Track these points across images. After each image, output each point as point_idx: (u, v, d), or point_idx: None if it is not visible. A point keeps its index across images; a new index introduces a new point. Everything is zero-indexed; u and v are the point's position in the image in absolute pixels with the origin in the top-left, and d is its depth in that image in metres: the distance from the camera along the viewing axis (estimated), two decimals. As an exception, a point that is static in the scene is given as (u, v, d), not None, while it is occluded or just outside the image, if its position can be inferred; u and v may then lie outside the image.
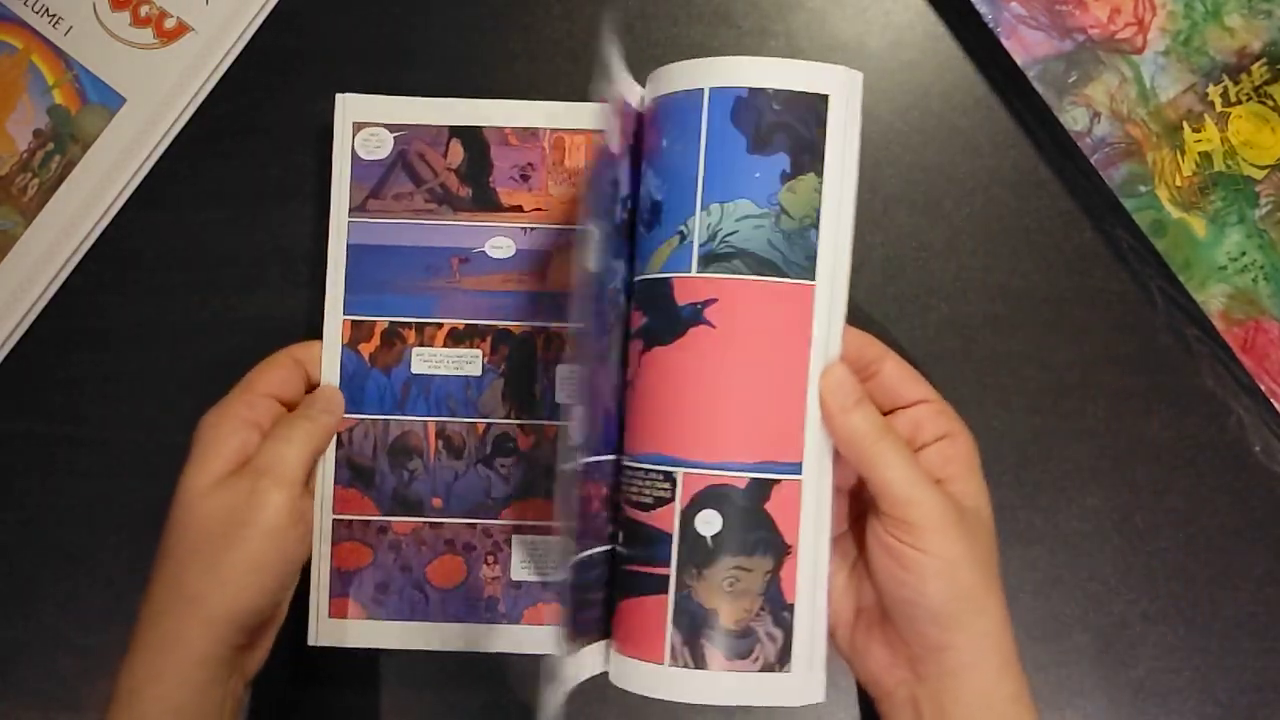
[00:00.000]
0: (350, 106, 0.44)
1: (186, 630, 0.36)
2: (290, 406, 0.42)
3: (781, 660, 0.36)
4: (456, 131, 0.44)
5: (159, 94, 0.47)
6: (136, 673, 0.36)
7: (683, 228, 0.36)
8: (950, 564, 0.35)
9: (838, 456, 0.37)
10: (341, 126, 0.44)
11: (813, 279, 0.36)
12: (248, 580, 0.37)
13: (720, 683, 0.36)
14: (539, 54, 0.48)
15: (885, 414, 0.39)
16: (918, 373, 0.40)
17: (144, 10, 0.47)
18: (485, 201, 0.44)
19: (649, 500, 0.36)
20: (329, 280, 0.44)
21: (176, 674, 0.36)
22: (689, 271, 0.36)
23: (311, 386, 0.43)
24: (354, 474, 0.43)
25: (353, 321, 0.43)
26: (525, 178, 0.44)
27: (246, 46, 0.48)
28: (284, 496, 0.38)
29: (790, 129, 0.36)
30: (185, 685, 0.36)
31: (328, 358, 0.43)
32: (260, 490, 0.37)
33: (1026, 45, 0.46)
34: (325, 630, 0.42)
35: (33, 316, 0.46)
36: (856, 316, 0.46)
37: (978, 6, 0.46)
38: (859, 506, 0.40)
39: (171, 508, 0.38)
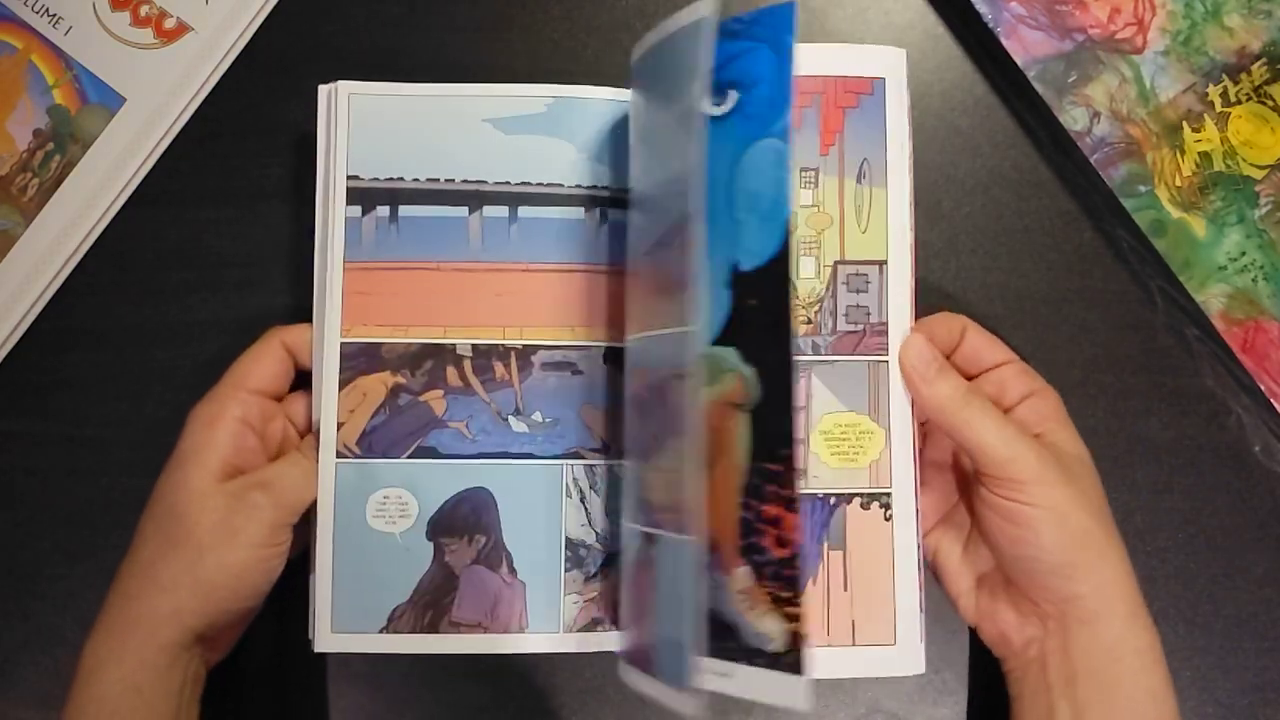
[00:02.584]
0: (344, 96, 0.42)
1: (153, 616, 0.37)
2: (279, 398, 0.42)
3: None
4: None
5: (159, 94, 0.47)
6: (99, 651, 0.37)
7: None
8: (1059, 512, 0.36)
9: (931, 431, 0.41)
10: (333, 114, 0.42)
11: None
12: (224, 583, 0.37)
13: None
14: (539, 54, 0.48)
15: (971, 378, 0.40)
16: (995, 338, 0.41)
17: (144, 10, 0.47)
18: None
19: None
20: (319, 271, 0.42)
21: (138, 655, 0.36)
22: None
23: (301, 371, 0.42)
24: None
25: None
26: None
27: (246, 46, 0.48)
28: (278, 515, 0.38)
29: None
30: (146, 667, 0.36)
31: (320, 349, 0.42)
32: (259, 505, 0.38)
33: (1026, 45, 0.46)
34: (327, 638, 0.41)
35: (33, 316, 0.46)
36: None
37: (978, 6, 0.46)
38: (963, 477, 0.42)
39: (159, 497, 0.39)
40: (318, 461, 0.40)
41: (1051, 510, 0.36)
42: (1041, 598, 0.38)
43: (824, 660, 0.38)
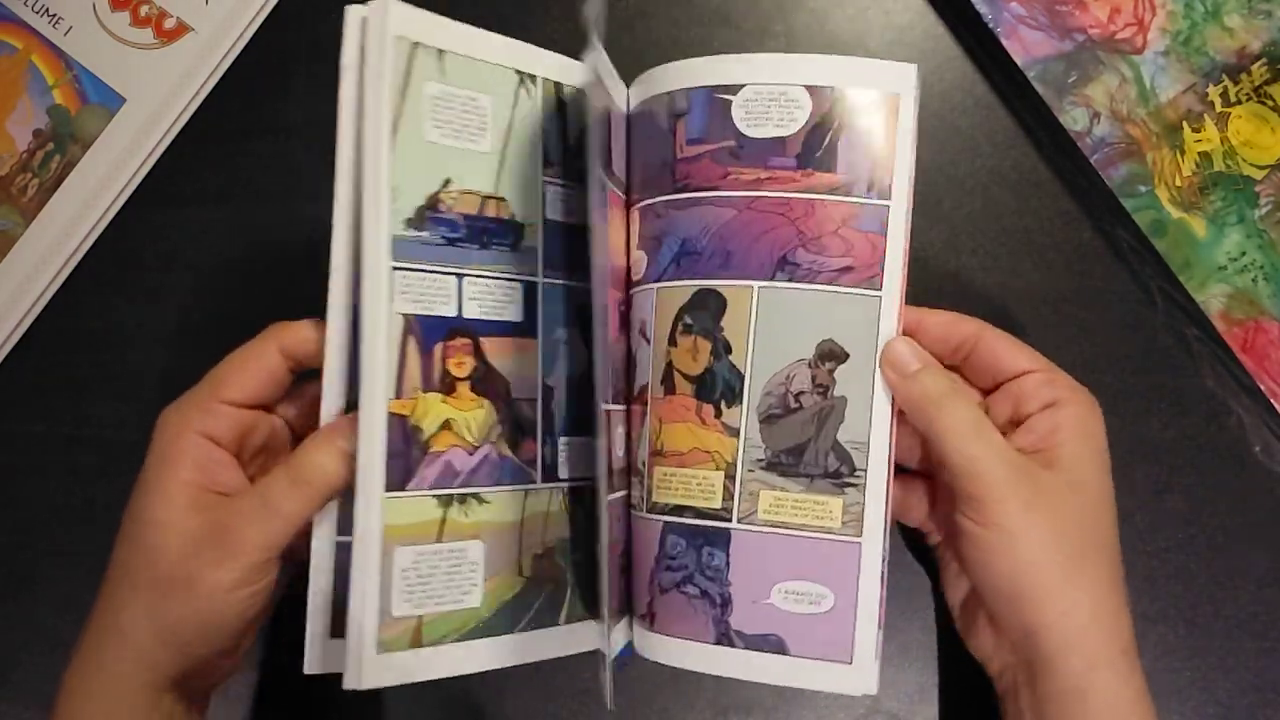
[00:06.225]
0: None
1: (117, 662, 0.34)
2: (268, 408, 0.38)
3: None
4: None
5: (159, 94, 0.47)
6: (73, 688, 0.34)
7: None
8: (1010, 538, 0.33)
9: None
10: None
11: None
12: (192, 631, 0.34)
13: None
14: (539, 54, 0.48)
15: (990, 391, 0.37)
16: (1020, 342, 0.37)
17: (144, 10, 0.47)
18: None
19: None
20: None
21: (108, 696, 0.34)
22: None
23: (300, 369, 0.37)
24: None
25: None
26: None
27: (246, 46, 0.48)
28: (247, 559, 0.33)
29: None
30: (120, 706, 0.34)
31: (333, 351, 0.36)
32: (222, 547, 0.33)
33: (1026, 45, 0.46)
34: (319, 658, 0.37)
35: (33, 316, 0.46)
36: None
37: (978, 6, 0.46)
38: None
39: (126, 522, 0.35)
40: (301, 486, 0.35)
41: (1003, 534, 0.33)
42: (1003, 625, 0.35)
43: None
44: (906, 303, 0.38)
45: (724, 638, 0.37)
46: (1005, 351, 0.37)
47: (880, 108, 0.37)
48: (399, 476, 0.35)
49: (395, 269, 0.35)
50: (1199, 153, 0.45)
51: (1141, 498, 0.46)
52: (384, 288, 0.35)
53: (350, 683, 0.34)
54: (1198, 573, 0.45)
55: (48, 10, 0.47)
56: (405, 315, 0.35)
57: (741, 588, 0.37)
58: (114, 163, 0.46)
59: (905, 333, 0.37)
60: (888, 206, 0.37)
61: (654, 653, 0.38)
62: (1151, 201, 0.45)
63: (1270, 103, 0.45)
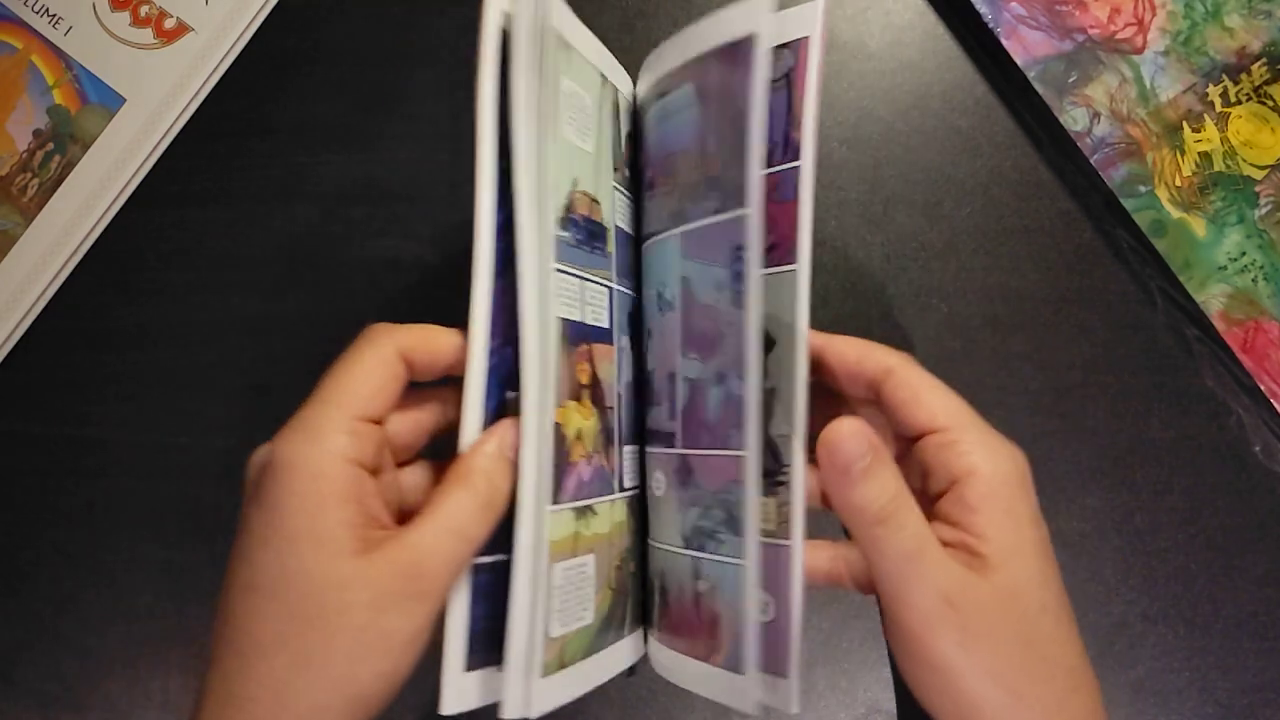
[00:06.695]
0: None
1: None
2: (379, 422, 0.31)
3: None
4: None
5: (159, 94, 0.47)
6: None
7: None
8: (949, 677, 0.29)
9: None
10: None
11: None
12: (380, 692, 0.29)
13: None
14: (539, 54, 0.48)
15: (916, 440, 0.32)
16: (933, 387, 0.32)
17: (144, 10, 0.47)
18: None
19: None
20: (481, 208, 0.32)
21: None
22: None
23: (416, 378, 0.32)
24: None
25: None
26: None
27: (246, 46, 0.48)
28: (438, 604, 0.29)
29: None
30: None
31: (478, 357, 0.31)
32: (413, 595, 0.29)
33: (1026, 45, 0.46)
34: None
35: (33, 316, 0.46)
36: (855, 318, 0.46)
37: (978, 6, 0.46)
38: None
39: (273, 583, 0.28)
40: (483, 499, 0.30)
41: (937, 674, 0.29)
42: None
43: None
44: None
45: None
46: (909, 400, 0.32)
47: (790, 60, 0.35)
48: (555, 489, 0.33)
49: (555, 270, 0.33)
50: (1199, 153, 0.45)
51: (1141, 498, 0.46)
52: (550, 290, 0.32)
53: (515, 712, 0.30)
54: (1198, 573, 0.45)
55: (48, 10, 0.47)
56: (560, 319, 0.33)
57: None
58: (114, 163, 0.46)
59: (810, 356, 0.33)
60: (798, 167, 0.33)
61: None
62: (1151, 201, 0.45)
63: (1270, 103, 0.46)
